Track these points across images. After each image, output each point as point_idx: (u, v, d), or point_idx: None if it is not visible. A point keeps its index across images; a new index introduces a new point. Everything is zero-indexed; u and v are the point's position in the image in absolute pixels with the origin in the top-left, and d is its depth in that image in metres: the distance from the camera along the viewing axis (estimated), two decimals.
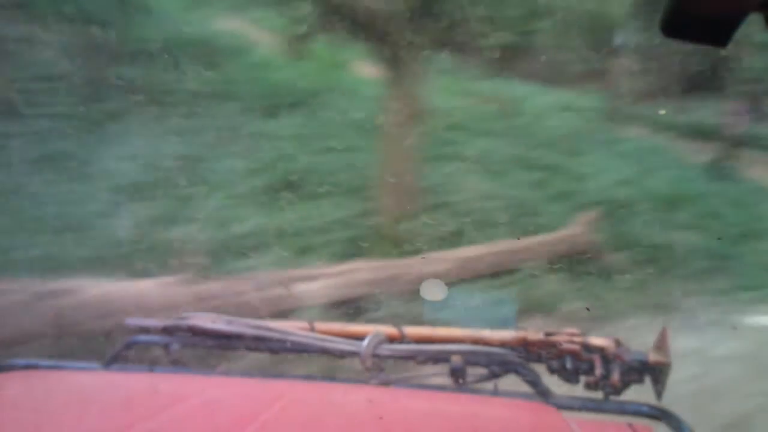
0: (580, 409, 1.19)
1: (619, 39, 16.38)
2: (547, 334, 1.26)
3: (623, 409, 1.19)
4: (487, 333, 1.28)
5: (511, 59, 21.17)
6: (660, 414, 1.16)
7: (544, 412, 1.16)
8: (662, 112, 15.13)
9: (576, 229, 5.92)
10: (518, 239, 5.44)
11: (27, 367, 1.37)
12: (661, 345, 1.22)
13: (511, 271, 5.39)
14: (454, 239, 5.35)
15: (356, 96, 8.05)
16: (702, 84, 13.85)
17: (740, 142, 10.42)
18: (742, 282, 6.10)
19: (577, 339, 1.23)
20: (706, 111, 12.70)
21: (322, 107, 7.81)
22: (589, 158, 8.95)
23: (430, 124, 9.10)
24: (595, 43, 19.62)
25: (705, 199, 7.79)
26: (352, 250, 5.02)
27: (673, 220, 7.00)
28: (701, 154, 10.58)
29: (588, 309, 5.80)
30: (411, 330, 1.33)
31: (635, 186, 7.73)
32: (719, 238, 6.74)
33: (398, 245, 4.96)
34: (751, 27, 0.90)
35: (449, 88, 14.48)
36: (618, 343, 1.24)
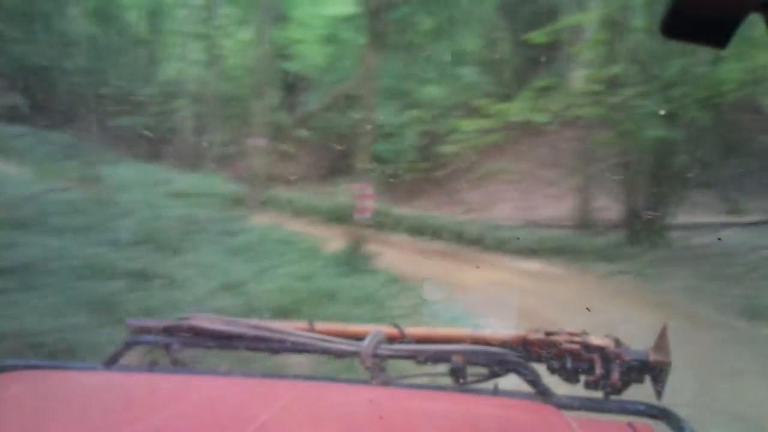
0: (580, 408, 1.19)
1: (257, 121, 15.43)
2: (548, 334, 1.26)
3: (623, 408, 1.19)
4: (488, 333, 1.29)
5: (143, 141, 19.17)
6: (660, 413, 1.16)
7: (544, 412, 1.15)
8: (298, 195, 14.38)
9: None
10: None
11: (27, 367, 1.35)
12: (661, 344, 1.21)
13: None
14: None
15: None
16: (343, 166, 13.34)
17: (370, 225, 9.59)
18: None
19: (577, 339, 1.24)
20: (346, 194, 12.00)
21: None
22: (199, 256, 7.16)
23: None
24: (234, 126, 18.63)
25: (331, 302, 6.40)
26: None
27: None
28: (337, 240, 9.47)
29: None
30: (411, 330, 1.33)
31: (245, 291, 6.05)
32: None
33: None
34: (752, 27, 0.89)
35: (48, 172, 11.89)
36: (618, 342, 1.24)
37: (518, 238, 11.89)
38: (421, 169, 15.45)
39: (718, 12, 0.82)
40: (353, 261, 8.50)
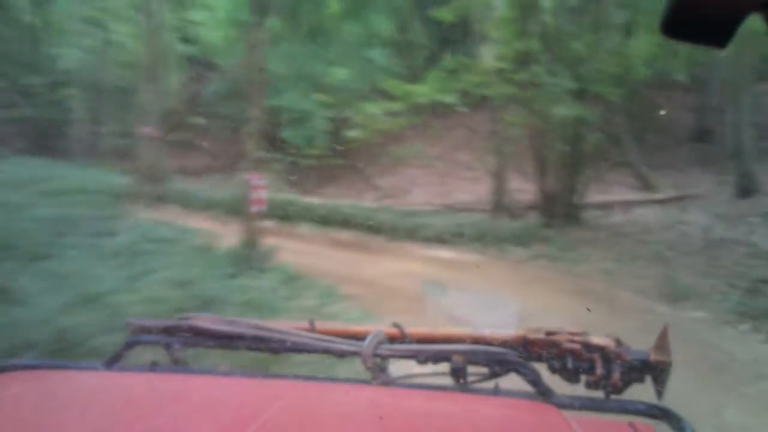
0: (580, 408, 1.18)
1: (155, 110, 14.36)
2: (548, 334, 1.25)
3: (624, 408, 1.18)
4: (488, 332, 1.29)
5: (32, 134, 17.73)
6: (661, 413, 1.14)
7: (544, 412, 1.14)
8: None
9: None
10: None
11: (28, 367, 1.35)
12: (661, 344, 1.20)
13: None
14: None
15: None
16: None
17: (276, 217, 8.87)
18: None
19: (577, 338, 1.23)
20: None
21: None
22: (62, 263, 6.22)
23: None
24: (132, 116, 17.41)
25: (211, 311, 5.64)
26: None
27: None
28: (234, 236, 8.65)
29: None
30: (412, 329, 1.33)
31: (107, 304, 5.20)
32: None
33: None
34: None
35: None
36: (618, 342, 1.23)
37: (433, 225, 11.38)
38: (333, 155, 14.75)
39: (718, 12, 0.82)
40: (248, 259, 7.73)
